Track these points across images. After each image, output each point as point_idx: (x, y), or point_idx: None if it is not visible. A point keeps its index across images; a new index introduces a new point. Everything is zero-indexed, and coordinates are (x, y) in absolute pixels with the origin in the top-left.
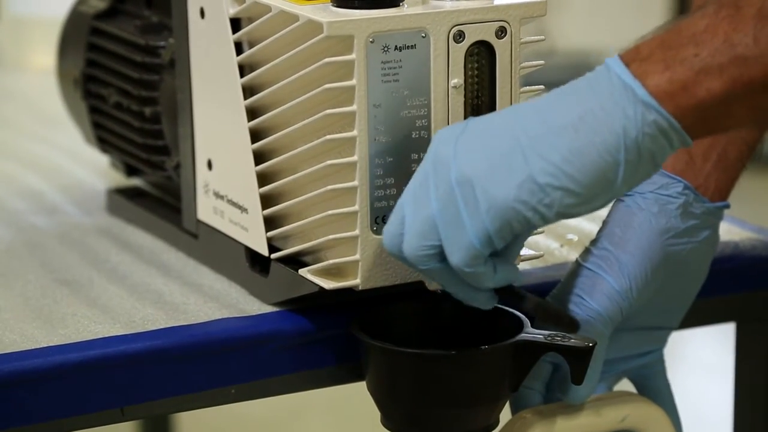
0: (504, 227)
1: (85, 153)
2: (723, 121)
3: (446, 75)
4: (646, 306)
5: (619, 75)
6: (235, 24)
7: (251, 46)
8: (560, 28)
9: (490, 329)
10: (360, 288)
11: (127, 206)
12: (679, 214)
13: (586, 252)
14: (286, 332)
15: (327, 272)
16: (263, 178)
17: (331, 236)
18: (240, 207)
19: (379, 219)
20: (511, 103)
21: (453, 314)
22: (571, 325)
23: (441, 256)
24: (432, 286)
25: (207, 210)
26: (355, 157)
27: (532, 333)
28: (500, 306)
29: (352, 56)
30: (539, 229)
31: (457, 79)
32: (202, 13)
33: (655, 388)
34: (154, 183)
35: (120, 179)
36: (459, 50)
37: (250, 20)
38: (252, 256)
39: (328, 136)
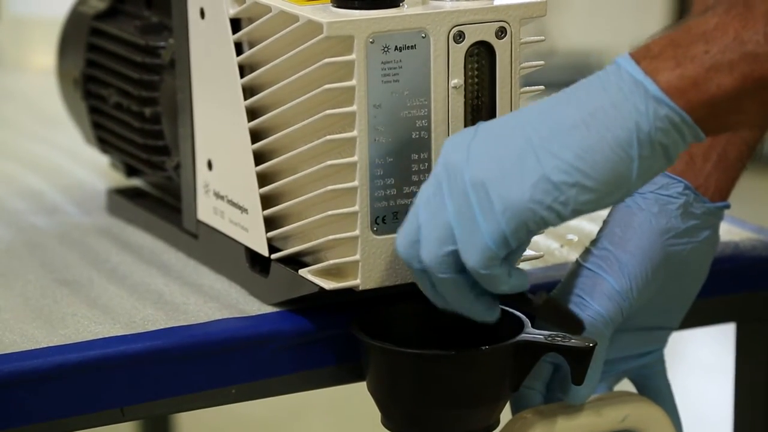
0: (520, 228)
1: (85, 153)
2: (734, 117)
3: (446, 75)
4: (647, 306)
5: (630, 72)
6: (235, 24)
7: (251, 46)
8: (560, 28)
9: (491, 329)
10: (360, 288)
11: (127, 206)
12: (679, 215)
13: (587, 252)
14: (286, 332)
15: (327, 272)
16: (263, 179)
17: (331, 236)
18: (240, 207)
19: (379, 219)
20: (511, 104)
21: (453, 314)
22: (576, 325)
23: (459, 263)
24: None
25: (207, 210)
26: (355, 158)
27: (532, 333)
28: (501, 306)
29: (352, 56)
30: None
31: (457, 80)
32: (202, 14)
33: (655, 388)
34: (154, 183)
35: (120, 179)
36: (459, 50)
37: (250, 20)
38: (252, 256)
39: (328, 137)
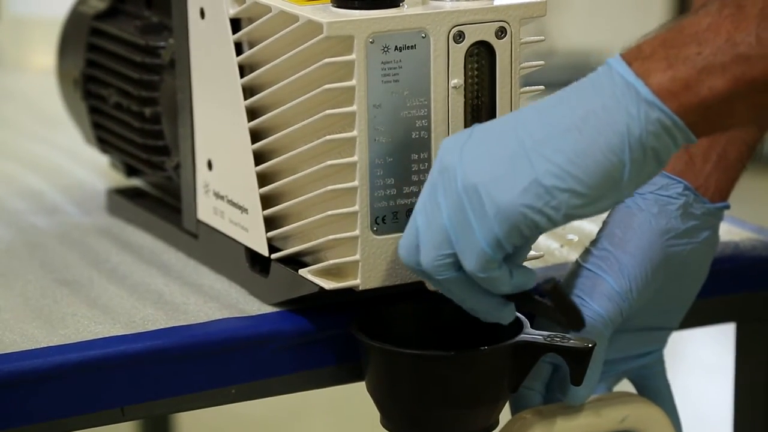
0: (513, 231)
1: (85, 153)
2: (726, 120)
3: (446, 75)
4: (646, 306)
5: (621, 74)
6: (235, 24)
7: (251, 46)
8: (560, 28)
9: (490, 330)
10: (360, 288)
11: (127, 206)
12: (679, 215)
13: (586, 252)
14: (286, 332)
15: (327, 272)
16: (263, 179)
17: (331, 236)
18: (240, 207)
19: (379, 219)
20: (511, 104)
21: (453, 315)
22: (578, 319)
23: (457, 264)
24: (432, 286)
25: (207, 210)
26: (355, 158)
27: (531, 334)
28: None
29: (352, 56)
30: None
31: (457, 80)
32: (202, 14)
33: (655, 389)
34: (154, 183)
35: (120, 179)
36: (459, 50)
37: (250, 20)
38: (252, 256)
39: (328, 137)
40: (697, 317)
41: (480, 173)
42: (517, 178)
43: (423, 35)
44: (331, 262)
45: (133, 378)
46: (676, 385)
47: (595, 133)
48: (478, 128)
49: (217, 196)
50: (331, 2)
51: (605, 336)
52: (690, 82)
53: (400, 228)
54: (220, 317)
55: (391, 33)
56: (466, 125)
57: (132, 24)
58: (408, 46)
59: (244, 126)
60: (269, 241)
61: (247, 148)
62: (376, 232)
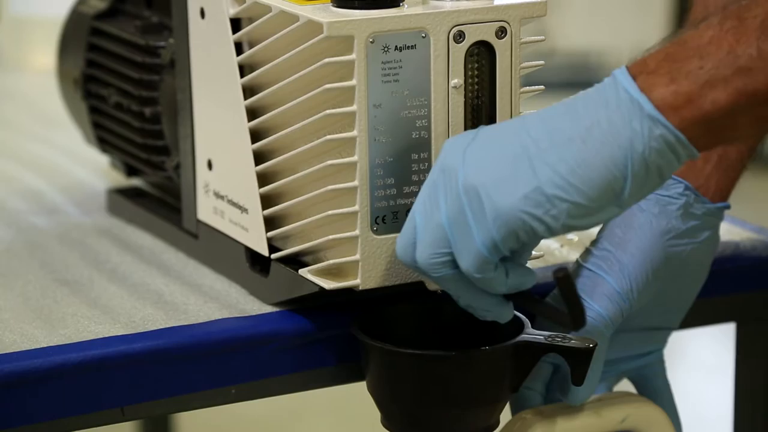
0: (510, 236)
1: (85, 153)
2: (728, 133)
3: (446, 75)
4: (647, 306)
5: (626, 88)
6: (235, 24)
7: (251, 46)
8: (560, 28)
9: (491, 330)
10: (360, 288)
11: (127, 206)
12: (679, 215)
13: (587, 252)
14: (286, 332)
15: (327, 272)
16: (263, 178)
17: (331, 236)
18: (240, 207)
19: (379, 219)
20: (511, 104)
21: (453, 315)
22: (580, 314)
23: (453, 263)
24: (432, 286)
25: (207, 210)
26: (355, 158)
27: (532, 334)
28: None
29: (352, 56)
30: None
31: (457, 80)
32: (202, 13)
33: (655, 389)
34: (154, 183)
35: (120, 179)
36: (459, 50)
37: (250, 20)
38: (252, 256)
39: (329, 137)
40: (697, 317)
41: (482, 176)
42: (519, 183)
43: (423, 35)
44: (331, 262)
45: (133, 378)
46: (676, 385)
47: (599, 145)
48: (483, 131)
49: (217, 195)
50: (331, 2)
51: (606, 336)
52: (692, 96)
53: (400, 228)
54: (220, 317)
55: (391, 33)
56: (466, 125)
57: (132, 24)
58: (408, 46)
59: (244, 126)
60: (269, 241)
61: (247, 148)
62: (376, 232)
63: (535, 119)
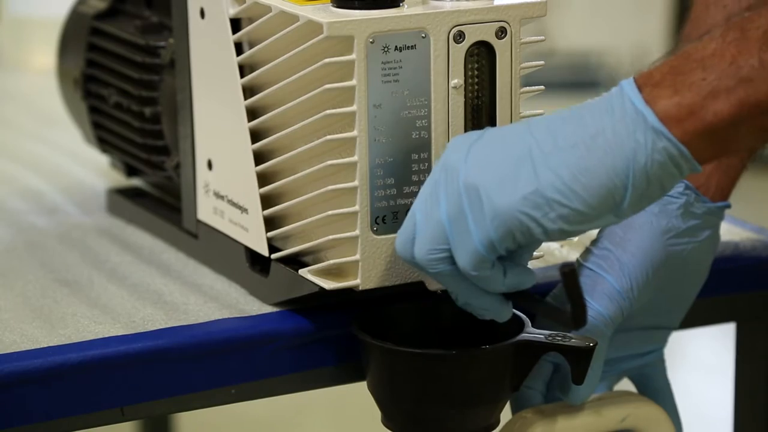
0: (507, 236)
1: (85, 153)
2: (731, 144)
3: (446, 75)
4: (647, 306)
5: (632, 99)
6: (235, 24)
7: (251, 46)
8: (560, 28)
9: (491, 329)
10: (360, 288)
11: (127, 206)
12: (680, 214)
13: (587, 252)
14: (286, 332)
15: (327, 272)
16: (263, 179)
17: (331, 236)
18: (240, 207)
19: (379, 219)
20: (511, 104)
21: (454, 314)
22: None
23: (451, 260)
24: (432, 286)
25: (207, 210)
26: (355, 158)
27: (533, 333)
28: None
29: (352, 56)
30: None
31: (458, 80)
32: (202, 13)
33: (655, 388)
34: (154, 183)
35: (120, 179)
36: (459, 50)
37: (250, 20)
38: (252, 256)
39: (329, 137)
40: (697, 317)
41: (483, 175)
42: (520, 184)
43: (423, 35)
44: (331, 262)
45: (133, 378)
46: (676, 384)
47: (602, 153)
48: (490, 131)
49: (217, 196)
50: (331, 2)
51: (606, 335)
52: (695, 108)
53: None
54: (220, 317)
55: (391, 33)
56: (466, 125)
57: (132, 24)
58: (408, 46)
59: (244, 126)
60: (269, 241)
61: (247, 148)
62: (376, 232)
63: (541, 123)
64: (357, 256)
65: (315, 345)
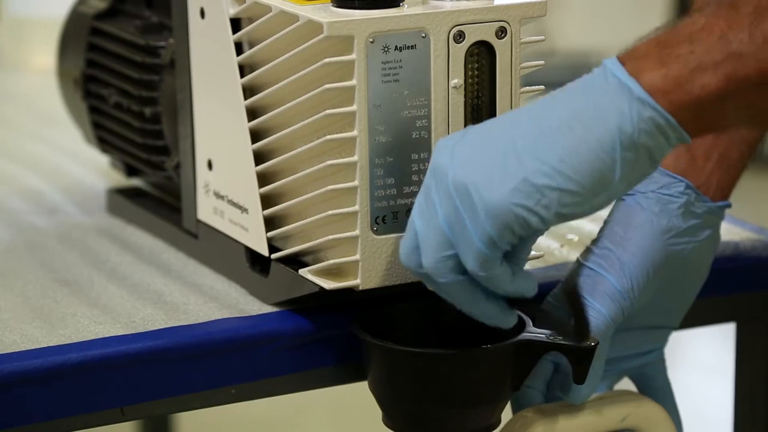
0: (505, 230)
1: (85, 153)
2: (719, 120)
3: (446, 75)
4: (648, 305)
5: (615, 73)
6: (235, 24)
7: (251, 46)
8: (560, 28)
9: (492, 328)
10: (360, 288)
11: (127, 206)
12: (680, 214)
13: (588, 251)
14: (286, 332)
15: (327, 272)
16: (263, 178)
17: (331, 236)
18: (240, 207)
19: (379, 219)
20: (511, 104)
21: (455, 313)
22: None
23: (459, 266)
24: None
25: (207, 210)
26: (355, 157)
27: (534, 332)
28: None
29: (352, 56)
30: None
31: (458, 80)
32: (202, 13)
33: (655, 388)
34: (154, 183)
35: (120, 179)
36: (459, 50)
37: (250, 20)
38: (252, 256)
39: (328, 136)
40: (697, 317)
41: (470, 172)
42: (507, 176)
43: (423, 35)
44: (331, 261)
45: (133, 378)
46: (676, 384)
47: (586, 131)
48: (472, 129)
49: (217, 195)
50: (331, 2)
51: (607, 335)
52: (682, 80)
53: (400, 228)
54: (220, 317)
55: (391, 33)
56: (466, 125)
57: (132, 24)
58: (408, 46)
59: (244, 126)
60: (269, 241)
61: (247, 148)
62: (376, 232)
63: (523, 113)
64: (357, 256)
65: (315, 345)
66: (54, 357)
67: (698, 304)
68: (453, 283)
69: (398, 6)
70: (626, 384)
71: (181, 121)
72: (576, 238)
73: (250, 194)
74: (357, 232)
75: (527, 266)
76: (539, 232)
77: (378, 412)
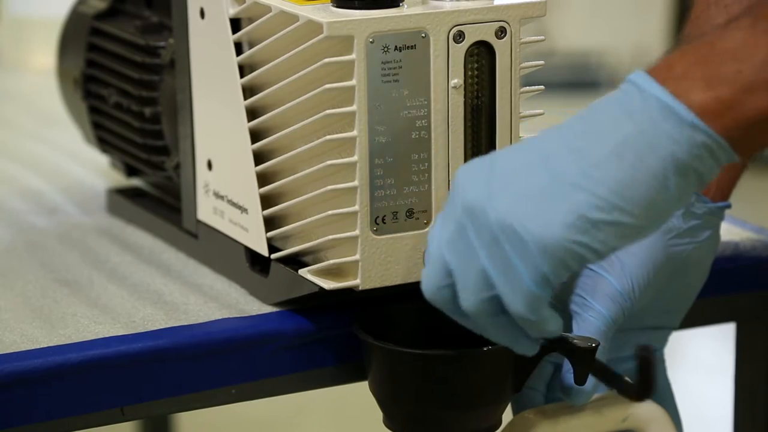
0: (560, 267)
1: (85, 153)
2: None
3: (446, 75)
4: (648, 306)
5: (656, 95)
6: (235, 24)
7: (251, 46)
8: (560, 28)
9: None
10: (360, 288)
11: (127, 206)
12: (681, 215)
13: None
14: (286, 332)
15: (327, 272)
16: (263, 179)
17: (331, 236)
18: (240, 207)
19: (379, 219)
20: (511, 104)
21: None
22: (646, 392)
23: (500, 306)
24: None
25: (207, 210)
26: (355, 157)
27: None
28: None
29: (352, 56)
30: None
31: (457, 80)
32: (202, 13)
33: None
34: (154, 183)
35: (120, 179)
36: (459, 50)
37: (250, 20)
38: (252, 256)
39: (328, 137)
40: (697, 317)
41: (515, 212)
42: (558, 212)
43: (423, 35)
44: (331, 262)
45: (133, 378)
46: (676, 385)
47: (637, 160)
48: (500, 161)
49: (217, 196)
50: (331, 2)
51: (608, 336)
52: (733, 102)
53: (400, 228)
54: (220, 317)
55: (391, 33)
56: (466, 125)
57: (132, 24)
58: (408, 46)
59: (244, 126)
60: (269, 241)
61: (247, 148)
62: (376, 232)
63: (557, 140)
64: (357, 256)
65: (315, 345)
66: (54, 357)
67: (698, 304)
68: (492, 324)
69: (398, 6)
70: None
71: (181, 121)
72: None
73: (250, 194)
74: (357, 232)
75: None
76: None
77: (378, 413)
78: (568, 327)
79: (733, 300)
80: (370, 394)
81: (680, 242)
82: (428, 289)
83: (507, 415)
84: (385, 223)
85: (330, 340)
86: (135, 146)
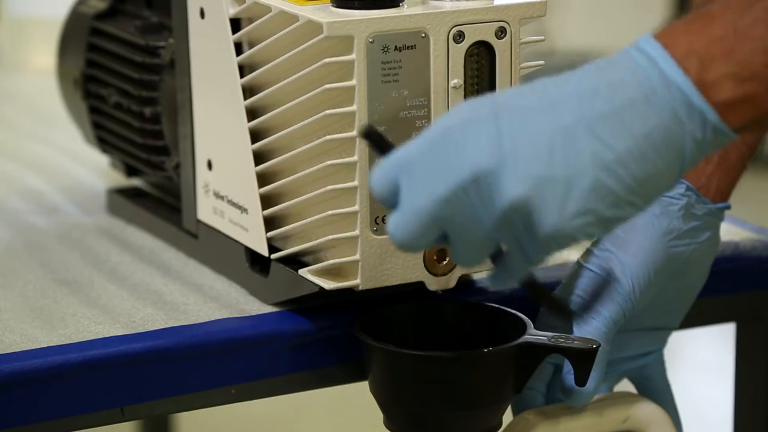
0: (562, 246)
1: (85, 153)
2: None
3: (446, 75)
4: (648, 307)
5: (680, 87)
6: (235, 24)
7: (251, 46)
8: (560, 28)
9: (494, 330)
10: (360, 288)
11: (127, 206)
12: (681, 216)
13: (588, 253)
14: (286, 332)
15: (327, 272)
16: (263, 179)
17: (331, 236)
18: (240, 207)
19: (379, 219)
20: None
21: (456, 315)
22: (566, 314)
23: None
24: (432, 286)
25: (207, 210)
26: (355, 157)
27: (535, 335)
28: (504, 307)
29: (352, 56)
30: None
31: (457, 80)
32: (202, 13)
33: (655, 389)
34: (154, 183)
35: (120, 179)
36: (459, 50)
37: (250, 20)
38: (252, 256)
39: (328, 137)
40: (697, 317)
41: (530, 196)
42: (573, 204)
43: (423, 35)
44: (331, 262)
45: (133, 378)
46: (676, 385)
47: (656, 156)
48: (507, 120)
49: (217, 196)
50: (331, 2)
51: (609, 337)
52: (757, 96)
53: None
54: (220, 317)
55: (391, 33)
56: None
57: (132, 24)
58: (408, 46)
59: (244, 126)
60: (269, 241)
61: (247, 148)
62: (376, 232)
63: (576, 117)
64: (357, 256)
65: (315, 345)
66: (54, 357)
67: (698, 304)
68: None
69: (398, 6)
70: (626, 385)
71: (181, 121)
72: None
73: (250, 194)
74: (357, 232)
75: None
76: None
77: (378, 413)
78: (568, 328)
79: (733, 300)
80: (370, 394)
81: (680, 243)
82: (411, 237)
83: (507, 416)
84: (385, 223)
85: (330, 340)
86: (135, 146)
